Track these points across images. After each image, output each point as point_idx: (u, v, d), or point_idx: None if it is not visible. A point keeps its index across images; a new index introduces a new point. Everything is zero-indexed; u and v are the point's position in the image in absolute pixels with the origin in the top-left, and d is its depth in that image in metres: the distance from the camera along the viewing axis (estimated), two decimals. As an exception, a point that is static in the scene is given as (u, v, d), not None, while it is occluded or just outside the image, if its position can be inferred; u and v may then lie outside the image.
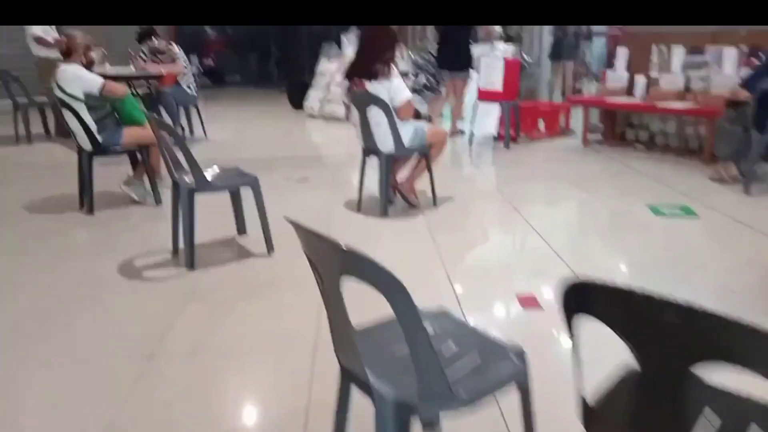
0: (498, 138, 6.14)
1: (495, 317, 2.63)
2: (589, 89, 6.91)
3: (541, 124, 6.40)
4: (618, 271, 3.07)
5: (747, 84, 4.13)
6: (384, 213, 3.93)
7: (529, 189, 4.72)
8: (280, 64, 13.37)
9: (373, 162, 4.03)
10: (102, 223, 3.97)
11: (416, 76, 7.24)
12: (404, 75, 3.83)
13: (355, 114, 3.91)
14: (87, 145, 4.00)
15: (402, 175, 4.11)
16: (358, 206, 4.10)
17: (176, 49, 6.27)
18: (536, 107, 6.51)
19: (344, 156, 6.03)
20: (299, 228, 1.32)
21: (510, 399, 1.47)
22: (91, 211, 4.08)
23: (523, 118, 6.20)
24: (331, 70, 8.20)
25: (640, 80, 5.77)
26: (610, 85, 6.01)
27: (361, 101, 3.80)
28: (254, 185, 3.24)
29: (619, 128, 6.25)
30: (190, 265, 3.13)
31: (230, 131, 7.51)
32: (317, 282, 1.43)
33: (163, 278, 3.08)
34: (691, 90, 5.44)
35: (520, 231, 3.69)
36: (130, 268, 3.18)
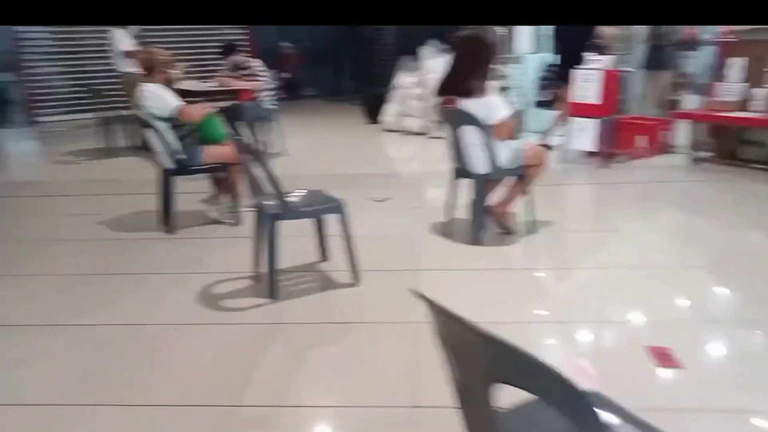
0: (594, 155, 5.66)
1: (625, 380, 2.24)
2: (691, 103, 6.30)
3: (641, 141, 5.86)
4: None
5: None
6: (476, 240, 3.60)
7: (640, 215, 4.25)
8: (356, 77, 13.29)
9: (463, 184, 3.72)
10: (183, 243, 3.86)
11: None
12: (503, 90, 3.51)
13: (448, 132, 3.61)
14: (169, 164, 3.91)
15: (496, 198, 3.76)
16: (447, 232, 3.79)
17: (258, 63, 6.20)
18: (635, 122, 5.98)
19: (426, 174, 5.74)
20: (435, 308, 1.02)
21: None
22: (172, 230, 3.99)
23: (621, 133, 5.69)
24: (408, 83, 7.96)
25: (760, 92, 5.15)
26: (721, 99, 5.41)
27: (454, 120, 3.50)
28: (340, 211, 2.99)
29: (730, 145, 5.62)
30: (273, 295, 2.92)
31: (307, 145, 7.39)
32: (452, 372, 1.12)
33: (244, 309, 2.88)
34: (823, 103, 4.79)
35: (637, 267, 3.26)
36: (211, 296, 3.01)
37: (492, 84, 3.40)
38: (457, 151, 3.56)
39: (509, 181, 3.70)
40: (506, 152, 3.51)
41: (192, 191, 4.35)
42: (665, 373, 2.18)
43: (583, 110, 5.52)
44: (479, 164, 3.49)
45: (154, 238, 3.95)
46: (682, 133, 6.12)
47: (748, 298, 2.82)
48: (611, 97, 5.48)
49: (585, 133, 5.57)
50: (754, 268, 3.13)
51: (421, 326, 2.57)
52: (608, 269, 3.26)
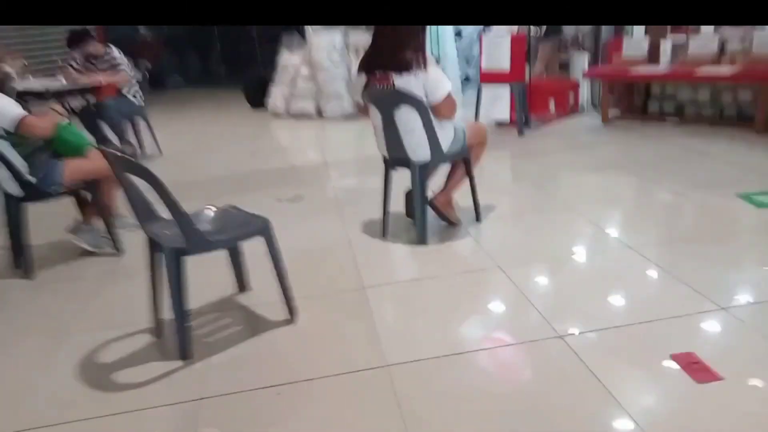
0: (509, 123, 5.33)
1: (654, 395, 1.80)
2: (584, 63, 6.17)
3: (552, 104, 5.62)
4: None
5: None
6: (423, 239, 3.05)
7: (579, 185, 3.92)
8: (228, 60, 12.16)
9: (396, 174, 3.15)
10: (45, 289, 2.94)
11: None
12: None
13: (376, 117, 2.99)
14: (15, 190, 2.95)
15: (436, 186, 3.23)
16: (384, 231, 3.20)
17: (116, 53, 5.14)
18: (545, 86, 5.73)
19: (336, 163, 5.09)
20: None
21: None
22: (29, 272, 3.05)
23: (532, 99, 5.40)
24: (295, 63, 7.19)
25: (666, 46, 5.05)
26: (628, 55, 5.27)
27: (387, 101, 2.89)
28: (265, 232, 2.30)
29: (638, 101, 5.53)
30: (185, 354, 2.19)
31: (186, 142, 6.42)
32: None
33: (147, 383, 2.10)
34: (728, 52, 4.76)
35: (610, 249, 2.89)
36: (93, 370, 2.19)
37: (429, 56, 2.82)
38: (391, 137, 2.97)
39: (449, 165, 3.18)
40: (448, 134, 2.97)
41: (52, 216, 3.41)
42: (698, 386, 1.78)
43: (494, 77, 5.13)
44: (419, 150, 2.92)
45: (5, 286, 2.99)
46: (589, 92, 5.98)
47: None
48: (520, 63, 5.15)
49: (499, 101, 5.20)
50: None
51: (387, 371, 2.01)
52: (582, 257, 2.87)
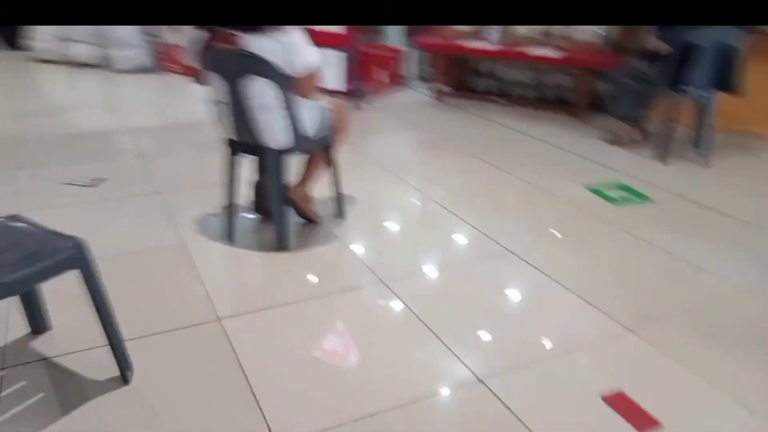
0: (344, 94, 4.88)
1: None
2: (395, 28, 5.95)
3: (382, 74, 5.29)
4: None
5: (665, 35, 3.60)
6: (284, 244, 2.50)
7: (435, 173, 3.66)
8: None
9: (244, 161, 2.53)
10: None
11: None
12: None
13: (219, 88, 2.31)
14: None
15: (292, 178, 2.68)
16: (230, 234, 2.58)
17: None
18: (371, 54, 5.35)
19: (143, 132, 4.14)
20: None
21: None
22: None
23: (364, 67, 5.00)
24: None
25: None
26: (455, 27, 5.14)
27: (234, 67, 2.23)
28: (80, 262, 1.56)
29: (465, 77, 5.49)
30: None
31: None
32: None
33: None
34: (552, 34, 4.88)
35: (495, 255, 2.65)
36: None
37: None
38: (240, 116, 2.33)
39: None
40: (314, 116, 2.43)
41: None
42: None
43: (326, 39, 4.60)
44: (278, 135, 2.34)
45: None
46: (416, 63, 5.78)
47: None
48: (354, 26, 4.69)
49: (332, 69, 4.70)
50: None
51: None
52: (463, 265, 2.59)
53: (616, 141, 4.07)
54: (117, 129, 4.18)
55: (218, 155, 2.59)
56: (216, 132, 2.60)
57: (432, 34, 5.33)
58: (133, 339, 1.82)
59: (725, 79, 3.61)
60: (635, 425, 1.62)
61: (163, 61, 5.96)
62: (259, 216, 2.78)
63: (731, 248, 2.68)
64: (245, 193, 2.80)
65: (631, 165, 3.69)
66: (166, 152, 3.74)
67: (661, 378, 1.82)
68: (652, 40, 3.71)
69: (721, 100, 3.73)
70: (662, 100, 3.85)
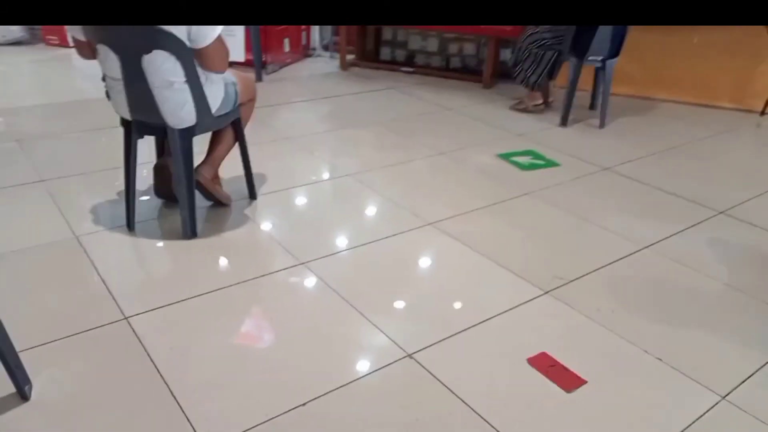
0: (244, 65, 4.63)
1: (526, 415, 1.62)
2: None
3: (286, 45, 5.09)
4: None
5: None
6: (191, 230, 2.34)
7: (341, 145, 3.57)
8: None
9: (143, 143, 2.33)
10: None
11: None
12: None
13: (111, 64, 2.09)
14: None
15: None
16: (129, 221, 2.37)
17: None
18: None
19: (19, 112, 3.72)
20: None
21: None
22: None
23: (267, 37, 4.78)
24: None
25: (399, -10, 4.94)
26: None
27: (131, 42, 2.02)
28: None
29: (370, 45, 5.41)
30: None
31: None
32: None
33: None
34: (453, 3, 4.88)
35: (415, 227, 2.62)
36: None
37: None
38: (137, 94, 2.12)
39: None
40: (218, 90, 2.26)
41: None
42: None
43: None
44: (181, 113, 2.15)
45: None
46: (320, 32, 5.61)
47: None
48: (253, -8, 4.45)
49: (234, 39, 4.45)
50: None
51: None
52: (380, 240, 2.54)
53: (521, 107, 4.17)
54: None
55: (108, 137, 2.37)
56: (105, 111, 2.36)
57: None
58: (28, 349, 1.63)
59: (619, 46, 3.78)
60: (562, 385, 1.67)
61: (42, 33, 5.39)
62: (162, 200, 2.58)
63: (630, 207, 2.83)
64: (146, 177, 2.59)
65: (537, 130, 3.80)
66: (49, 135, 3.38)
67: (581, 336, 1.89)
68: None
69: (617, 66, 3.90)
70: (563, 66, 3.97)
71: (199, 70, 2.13)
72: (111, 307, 1.90)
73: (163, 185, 2.52)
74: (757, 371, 1.76)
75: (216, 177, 2.55)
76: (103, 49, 2.07)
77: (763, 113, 4.36)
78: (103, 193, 2.65)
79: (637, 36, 4.11)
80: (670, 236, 2.55)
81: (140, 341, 1.75)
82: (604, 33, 3.63)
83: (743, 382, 1.72)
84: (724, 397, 1.66)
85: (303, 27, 5.33)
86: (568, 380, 1.70)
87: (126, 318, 1.85)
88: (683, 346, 1.87)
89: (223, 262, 2.24)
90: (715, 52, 4.38)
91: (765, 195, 3.04)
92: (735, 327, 1.98)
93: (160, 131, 2.22)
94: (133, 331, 1.80)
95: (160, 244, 2.34)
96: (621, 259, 2.36)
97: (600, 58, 3.76)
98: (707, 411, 1.60)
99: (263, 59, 4.70)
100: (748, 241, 2.57)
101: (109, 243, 2.30)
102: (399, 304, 2.03)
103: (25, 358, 1.53)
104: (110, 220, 2.43)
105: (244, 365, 1.69)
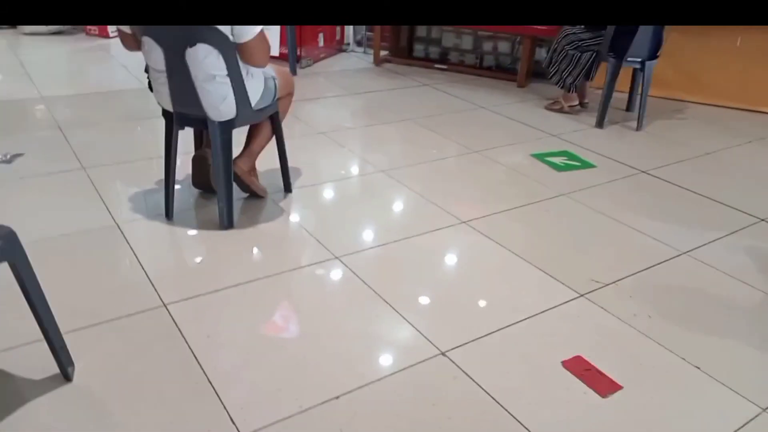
0: (279, 59, 4.67)
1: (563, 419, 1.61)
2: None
3: (320, 39, 5.12)
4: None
5: None
6: (228, 221, 2.37)
7: (379, 142, 3.58)
8: None
9: (181, 134, 2.37)
10: None
11: None
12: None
13: (156, 56, 2.12)
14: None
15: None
16: (168, 211, 2.42)
17: None
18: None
19: (62, 101, 3.81)
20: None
21: None
22: None
23: (302, 31, 4.81)
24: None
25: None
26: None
27: (175, 35, 2.05)
28: (11, 252, 1.40)
29: (403, 42, 5.40)
30: None
31: None
32: None
33: None
34: (490, 0, 4.85)
35: (434, 215, 2.61)
36: None
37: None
38: (180, 86, 2.16)
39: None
40: (258, 85, 2.29)
41: None
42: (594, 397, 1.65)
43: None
44: (222, 106, 2.18)
45: None
46: (354, 28, 5.62)
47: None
48: (290, -14, 4.48)
49: (269, 33, 4.47)
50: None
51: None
52: (417, 238, 2.54)
53: (556, 108, 4.12)
54: (30, 98, 3.82)
55: (144, 127, 2.41)
56: (142, 102, 2.41)
57: None
58: (71, 331, 1.68)
59: (658, 47, 3.71)
60: (598, 390, 1.66)
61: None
62: (199, 191, 2.63)
63: (668, 211, 2.79)
64: (181, 167, 2.63)
65: (572, 131, 3.76)
66: (88, 123, 3.46)
67: (617, 341, 1.87)
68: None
69: (655, 68, 3.84)
70: (600, 67, 3.92)
71: (241, 64, 2.15)
72: (150, 293, 1.94)
73: (201, 176, 2.56)
74: (799, 384, 1.72)
75: (253, 169, 2.58)
76: (147, 41, 2.11)
77: (806, 119, 4.24)
78: (141, 182, 2.70)
79: (675, 37, 4.03)
80: (709, 243, 2.50)
81: (178, 328, 1.79)
82: (644, 34, 3.57)
83: (785, 394, 1.68)
84: (765, 409, 1.62)
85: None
86: (603, 385, 1.68)
87: (165, 305, 1.89)
88: (722, 355, 1.83)
89: (258, 253, 2.27)
90: (759, 56, 4.27)
91: (808, 204, 2.96)
92: (776, 338, 1.93)
93: (201, 123, 2.25)
94: (172, 318, 1.83)
95: (198, 233, 2.38)
96: (658, 264, 2.32)
97: (639, 59, 3.70)
98: (747, 423, 1.57)
99: (298, 53, 4.73)
100: (790, 251, 2.50)
101: (148, 231, 2.34)
102: (432, 302, 2.04)
103: (68, 340, 1.57)
104: (149, 209, 2.48)
105: (278, 356, 1.71)
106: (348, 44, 5.59)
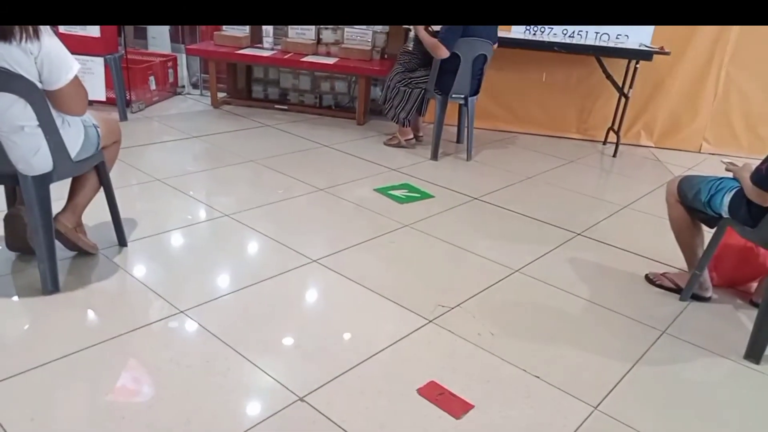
0: (106, 104, 4.36)
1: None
2: (161, 34, 5.64)
3: (152, 82, 4.87)
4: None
5: (445, 39, 3.83)
6: (53, 284, 2.13)
7: (223, 186, 3.46)
8: None
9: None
10: None
11: None
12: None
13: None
14: None
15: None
16: (-23, 280, 2.11)
17: None
18: (142, 60, 4.88)
19: None
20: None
21: None
22: None
23: (131, 74, 4.55)
24: None
25: (268, 28, 4.97)
26: (229, 34, 4.98)
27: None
28: None
29: (241, 83, 5.34)
30: None
31: None
32: None
33: None
34: (323, 42, 5.00)
35: (283, 256, 2.58)
36: None
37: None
38: (-19, 140, 1.92)
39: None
40: (77, 134, 2.11)
41: None
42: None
43: (80, 45, 4.08)
44: (34, 159, 1.97)
45: None
46: (188, 70, 5.45)
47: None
48: (111, 28, 4.25)
49: (92, 77, 4.18)
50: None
51: None
52: (263, 285, 2.47)
53: (394, 143, 4.32)
54: None
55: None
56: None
57: (204, 41, 5.11)
58: None
59: (479, 84, 4.07)
60: (451, 412, 1.72)
61: None
62: (17, 253, 2.34)
63: (500, 233, 3.03)
64: (-7, 229, 2.33)
65: (410, 164, 3.96)
66: None
67: (466, 361, 1.97)
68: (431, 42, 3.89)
69: (479, 103, 4.19)
70: (430, 103, 4.19)
71: (55, 113, 1.97)
72: (-45, 380, 1.67)
73: (16, 238, 2.28)
74: (621, 380, 1.94)
75: (80, 225, 2.36)
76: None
77: (605, 142, 4.89)
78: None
79: (493, 74, 4.45)
80: (537, 258, 2.75)
81: (-6, 416, 1.55)
82: (464, 73, 3.89)
83: (611, 391, 1.88)
84: (596, 407, 1.80)
85: (169, 64, 5.14)
86: (456, 406, 1.75)
87: (-25, 391, 1.63)
88: (556, 362, 2.01)
89: (91, 316, 2.07)
90: (560, 88, 4.87)
91: (614, 215, 3.39)
92: (599, 340, 2.17)
93: (11, 179, 2.02)
94: (-15, 405, 1.59)
95: (16, 302, 2.10)
96: (496, 283, 2.50)
97: (462, 95, 4.02)
98: (583, 422, 1.73)
99: (127, 97, 4.47)
100: (602, 259, 2.84)
101: (-50, 306, 2.03)
102: (287, 346, 1.99)
103: None
104: (-50, 280, 2.15)
105: (120, 426, 1.55)
106: (183, 86, 5.41)
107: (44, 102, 1.93)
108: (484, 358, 1.99)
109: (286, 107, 5.11)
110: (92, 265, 2.36)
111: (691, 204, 2.36)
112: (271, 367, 1.84)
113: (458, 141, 4.57)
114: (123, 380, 1.76)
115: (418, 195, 3.43)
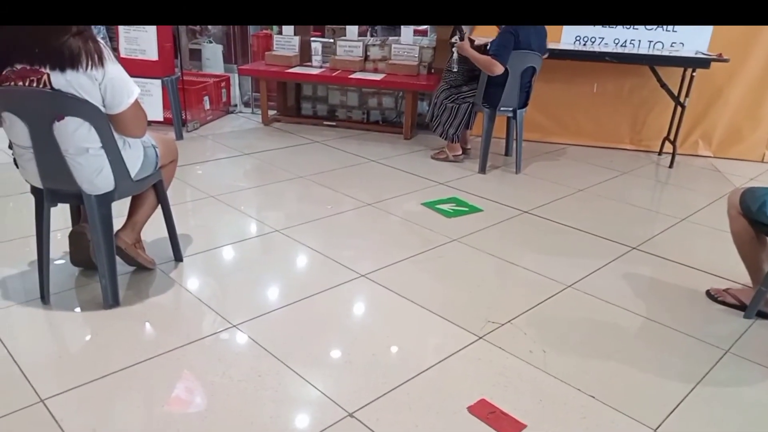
0: (163, 123, 4.54)
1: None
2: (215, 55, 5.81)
3: (206, 102, 5.04)
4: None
5: (499, 55, 3.81)
6: (113, 299, 2.22)
7: (273, 202, 3.53)
8: None
9: (56, 211, 2.22)
10: None
11: None
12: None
13: (19, 131, 1.99)
14: None
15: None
16: (43, 293, 2.22)
17: None
18: (197, 81, 5.07)
19: None
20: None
21: None
22: None
23: (186, 95, 4.73)
24: None
25: (316, 46, 5.07)
26: (279, 53, 5.10)
27: (40, 108, 1.94)
28: None
29: (291, 101, 5.46)
30: None
31: None
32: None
33: None
34: (370, 59, 5.06)
35: (331, 271, 2.60)
36: None
37: (104, 45, 1.98)
38: (48, 161, 2.02)
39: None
40: (137, 155, 2.20)
41: None
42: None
43: (140, 69, 4.27)
44: (98, 179, 2.07)
45: None
46: (240, 89, 5.61)
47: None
48: (168, 52, 4.42)
49: (147, 98, 4.36)
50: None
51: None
52: (321, 304, 2.50)
53: (441, 157, 4.31)
54: None
55: (17, 203, 2.24)
56: (11, 176, 2.24)
57: (256, 61, 5.25)
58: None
59: (527, 97, 4.03)
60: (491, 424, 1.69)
61: None
62: (80, 269, 2.45)
63: (551, 248, 2.97)
64: (61, 243, 2.45)
65: (458, 178, 3.94)
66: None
67: (517, 379, 1.93)
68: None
69: (527, 115, 4.14)
70: (478, 117, 4.17)
71: (116, 135, 2.07)
72: (25, 389, 1.76)
73: (79, 253, 2.39)
74: (682, 401, 1.86)
75: (138, 241, 2.45)
76: (8, 117, 1.98)
77: (660, 153, 4.74)
78: (14, 263, 2.48)
79: (541, 87, 4.39)
80: (591, 273, 2.68)
81: (59, 425, 1.62)
82: (513, 86, 3.85)
83: (671, 413, 1.80)
84: (656, 429, 1.73)
85: (222, 84, 5.31)
86: (507, 426, 1.72)
87: (42, 400, 1.71)
88: (612, 381, 1.94)
89: (148, 330, 2.14)
90: (611, 99, 4.76)
91: (670, 229, 3.27)
92: (657, 359, 2.09)
93: (76, 198, 2.12)
94: (51, 414, 1.66)
95: (79, 315, 2.20)
96: (548, 299, 2.45)
97: (511, 108, 3.98)
98: (640, 443, 1.67)
99: (183, 117, 4.64)
100: (659, 274, 2.74)
101: (21, 318, 2.14)
102: (336, 361, 2.01)
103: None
104: (22, 294, 2.27)
105: (176, 441, 1.60)
106: (235, 105, 5.57)
107: (107, 125, 2.02)
108: (536, 377, 1.94)
109: (334, 123, 5.18)
110: (150, 280, 2.44)
111: (756, 217, 2.25)
112: (321, 382, 1.86)
113: (506, 154, 4.52)
114: (178, 392, 1.81)
115: (467, 209, 3.41)
